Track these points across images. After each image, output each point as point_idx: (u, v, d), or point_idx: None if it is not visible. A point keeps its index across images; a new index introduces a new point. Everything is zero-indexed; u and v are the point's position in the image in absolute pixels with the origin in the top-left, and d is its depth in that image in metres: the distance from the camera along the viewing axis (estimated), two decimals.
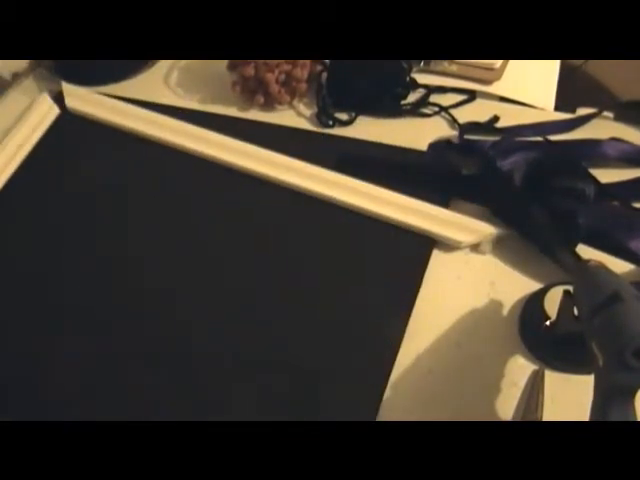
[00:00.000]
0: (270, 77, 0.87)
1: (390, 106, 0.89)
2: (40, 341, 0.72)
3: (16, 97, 0.96)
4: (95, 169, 0.86)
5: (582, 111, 0.87)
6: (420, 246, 0.76)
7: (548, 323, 0.66)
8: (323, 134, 0.87)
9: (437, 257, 0.75)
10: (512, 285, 0.72)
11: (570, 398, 0.63)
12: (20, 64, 0.98)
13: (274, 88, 0.88)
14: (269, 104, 0.91)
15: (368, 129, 0.87)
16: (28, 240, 0.80)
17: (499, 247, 0.75)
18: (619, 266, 0.70)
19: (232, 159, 0.84)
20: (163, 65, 0.98)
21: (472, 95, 0.90)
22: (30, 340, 0.72)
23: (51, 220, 0.82)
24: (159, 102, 0.92)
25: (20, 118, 0.92)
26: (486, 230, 0.75)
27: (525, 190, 0.75)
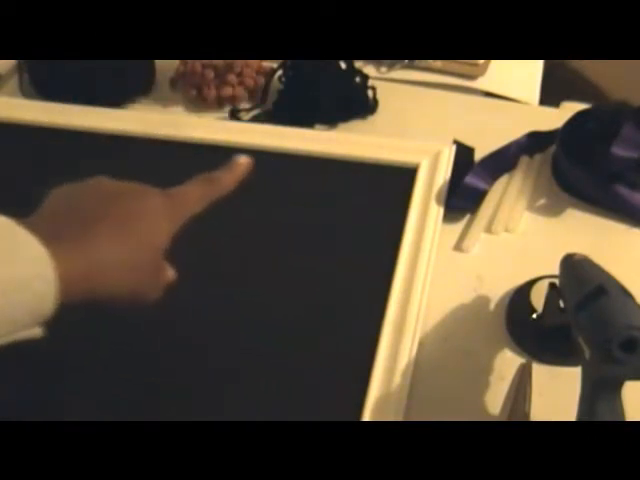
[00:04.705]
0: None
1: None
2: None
3: None
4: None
5: (566, 105, 0.87)
6: None
7: (535, 316, 0.67)
8: None
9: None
10: (498, 279, 0.72)
11: (558, 391, 0.63)
12: None
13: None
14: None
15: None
16: None
17: (485, 241, 0.75)
18: None
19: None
20: None
21: None
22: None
23: None
24: None
25: None
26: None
27: None
